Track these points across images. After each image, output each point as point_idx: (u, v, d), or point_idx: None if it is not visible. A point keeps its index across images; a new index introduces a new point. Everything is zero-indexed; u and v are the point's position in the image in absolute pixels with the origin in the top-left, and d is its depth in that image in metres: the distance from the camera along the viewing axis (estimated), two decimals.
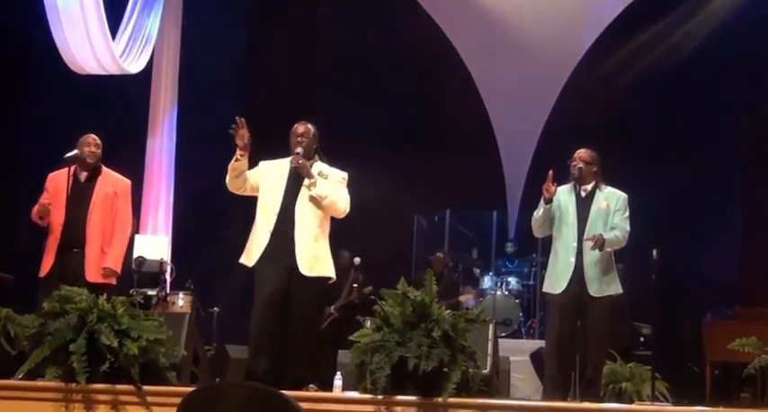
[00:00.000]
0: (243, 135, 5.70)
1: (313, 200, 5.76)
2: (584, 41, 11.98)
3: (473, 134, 12.23)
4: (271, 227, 5.71)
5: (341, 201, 5.82)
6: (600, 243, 6.13)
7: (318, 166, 5.91)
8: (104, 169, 6.72)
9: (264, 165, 5.96)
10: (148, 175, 10.81)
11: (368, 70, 12.35)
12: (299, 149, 5.80)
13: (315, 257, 5.71)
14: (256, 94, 11.89)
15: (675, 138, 11.27)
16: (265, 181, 5.87)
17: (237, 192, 5.92)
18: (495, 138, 12.52)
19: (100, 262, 6.50)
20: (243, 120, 5.73)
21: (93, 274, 6.44)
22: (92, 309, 5.36)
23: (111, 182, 6.71)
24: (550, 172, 6.19)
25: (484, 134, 12.41)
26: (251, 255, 5.75)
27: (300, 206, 5.75)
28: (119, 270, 6.63)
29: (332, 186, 5.84)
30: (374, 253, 10.55)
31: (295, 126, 5.93)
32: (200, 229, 11.36)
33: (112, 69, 9.85)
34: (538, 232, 6.44)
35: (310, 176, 5.75)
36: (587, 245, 6.18)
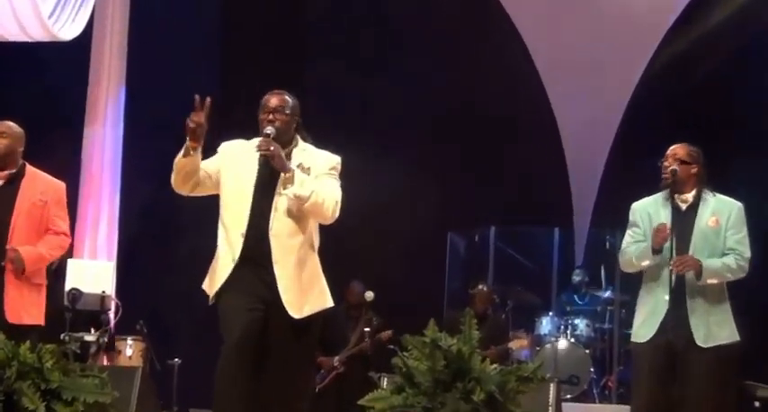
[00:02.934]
0: (200, 121, 5.48)
1: (293, 202, 5.63)
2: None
3: (527, 124, 12.22)
4: (236, 253, 5.57)
5: (328, 201, 5.59)
6: (690, 266, 6.09)
7: (299, 155, 5.71)
8: (30, 169, 6.70)
9: (227, 152, 5.75)
10: (86, 177, 10.84)
11: (380, 35, 12.36)
12: (270, 129, 5.59)
13: (304, 290, 5.63)
14: (232, 69, 11.91)
15: None
16: (228, 176, 5.67)
17: (190, 194, 5.81)
18: (557, 129, 12.51)
19: (24, 297, 6.49)
20: (208, 100, 5.57)
21: (14, 314, 6.42)
22: (10, 362, 5.35)
23: (40, 186, 6.67)
24: (666, 230, 6.12)
25: (542, 124, 12.39)
26: (213, 284, 5.67)
27: (278, 218, 5.62)
28: (27, 265, 6.45)
29: (318, 179, 5.64)
30: (392, 285, 10.53)
31: (265, 97, 5.73)
32: (155, 252, 11.38)
33: (39, 35, 9.89)
34: (629, 270, 6.45)
35: (285, 169, 5.52)
36: (690, 277, 6.13)
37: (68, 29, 10.14)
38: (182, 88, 11.25)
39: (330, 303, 5.77)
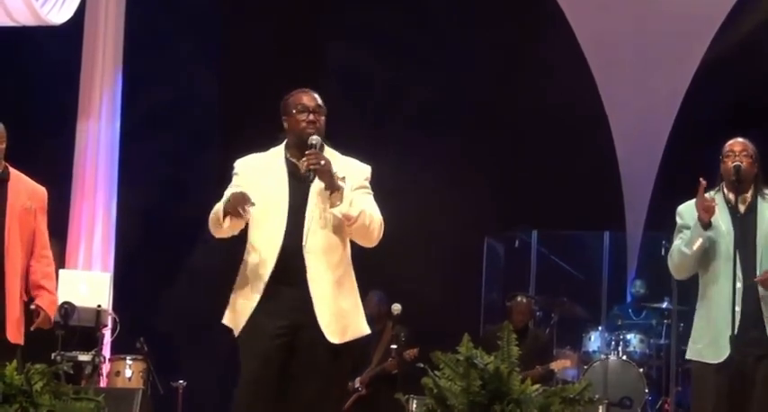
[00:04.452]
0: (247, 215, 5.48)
1: (331, 221, 5.54)
2: None
3: (573, 115, 12.19)
4: (266, 275, 5.55)
5: (375, 223, 5.60)
6: None
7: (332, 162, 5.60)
8: (13, 172, 6.68)
9: (246, 171, 5.69)
10: (79, 178, 10.86)
11: (408, 12, 12.35)
12: (315, 139, 5.48)
13: (344, 313, 5.61)
14: (239, 56, 11.92)
15: None
16: (256, 196, 5.52)
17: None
18: (607, 121, 12.49)
19: (21, 313, 6.48)
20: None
21: (14, 332, 6.43)
22: None
23: (26, 191, 6.67)
24: (702, 182, 6.15)
25: (590, 115, 12.37)
26: (238, 315, 5.62)
27: (313, 232, 5.57)
28: (52, 316, 6.63)
29: (357, 196, 5.58)
30: (421, 296, 10.53)
31: (296, 96, 5.64)
32: (157, 261, 11.40)
33: (25, 19, 9.92)
34: (681, 272, 6.43)
35: (335, 186, 5.47)
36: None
37: (58, 11, 10.16)
38: (185, 77, 11.45)
39: (368, 330, 5.73)
